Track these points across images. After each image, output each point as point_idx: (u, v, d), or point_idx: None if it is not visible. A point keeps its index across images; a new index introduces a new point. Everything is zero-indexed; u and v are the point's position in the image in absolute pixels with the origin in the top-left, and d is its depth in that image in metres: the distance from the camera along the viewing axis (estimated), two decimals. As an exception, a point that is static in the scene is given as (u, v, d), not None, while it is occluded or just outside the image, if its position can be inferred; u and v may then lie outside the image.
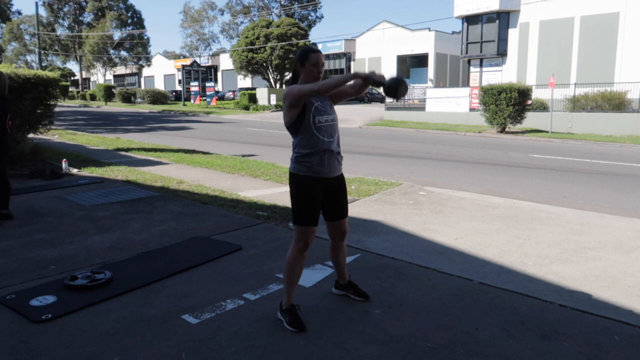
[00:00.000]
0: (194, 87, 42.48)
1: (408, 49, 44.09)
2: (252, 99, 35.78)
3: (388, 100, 28.44)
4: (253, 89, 40.71)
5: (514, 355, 2.55)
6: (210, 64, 62.70)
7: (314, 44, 41.38)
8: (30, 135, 8.98)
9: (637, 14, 22.90)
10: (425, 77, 43.11)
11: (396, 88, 2.63)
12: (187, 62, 51.22)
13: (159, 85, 66.36)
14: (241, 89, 45.56)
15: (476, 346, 2.64)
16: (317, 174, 2.84)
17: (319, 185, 2.87)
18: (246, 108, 34.61)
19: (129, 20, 59.63)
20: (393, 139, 16.58)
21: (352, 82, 2.82)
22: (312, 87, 2.71)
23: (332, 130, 2.89)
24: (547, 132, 18.44)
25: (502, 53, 27.74)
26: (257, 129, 20.39)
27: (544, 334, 2.78)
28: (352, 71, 38.66)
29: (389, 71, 42.62)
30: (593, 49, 24.16)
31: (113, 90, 47.74)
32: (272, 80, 41.22)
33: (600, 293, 3.40)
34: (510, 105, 17.81)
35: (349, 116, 26.52)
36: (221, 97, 44.60)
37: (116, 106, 42.25)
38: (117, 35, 58.78)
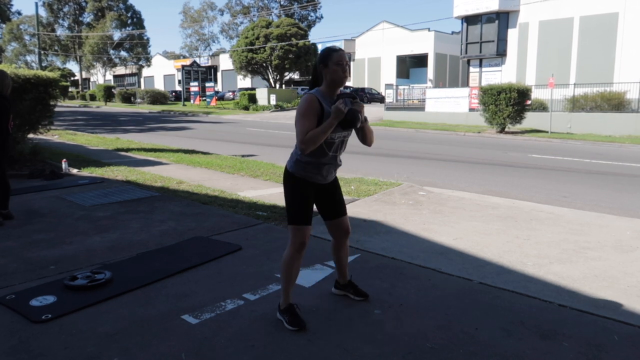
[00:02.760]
0: (194, 87, 42.49)
1: (408, 49, 44.14)
2: (252, 99, 35.78)
3: (388, 100, 28.45)
4: (253, 89, 40.72)
5: (514, 355, 2.55)
6: (210, 64, 62.70)
7: (314, 44, 41.35)
8: (30, 136, 8.97)
9: (636, 14, 22.92)
10: (424, 77, 43.15)
11: (352, 120, 2.63)
12: (187, 62, 51.22)
13: (159, 85, 66.37)
14: (241, 89, 45.58)
15: (476, 346, 2.64)
16: (312, 179, 2.86)
17: (312, 188, 2.89)
18: (246, 108, 34.61)
19: (129, 21, 59.60)
20: (393, 139, 16.58)
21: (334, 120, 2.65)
22: (300, 141, 2.63)
23: (341, 145, 2.88)
24: (547, 132, 18.45)
25: (501, 53, 27.76)
26: (257, 129, 20.39)
27: (543, 334, 2.78)
28: (351, 71, 38.36)
29: (389, 72, 42.32)
30: (592, 49, 24.18)
31: (113, 90, 47.74)
32: (272, 81, 41.21)
33: (599, 293, 3.40)
34: (509, 105, 17.82)
35: (349, 116, 26.50)
36: (221, 98, 44.62)
37: (116, 106, 42.24)
38: (117, 35, 58.79)
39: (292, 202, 2.86)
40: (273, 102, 34.10)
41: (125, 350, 2.56)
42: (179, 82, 51.09)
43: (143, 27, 60.45)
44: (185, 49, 72.21)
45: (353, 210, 5.52)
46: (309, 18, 60.66)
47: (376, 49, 46.30)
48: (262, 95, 35.83)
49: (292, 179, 2.87)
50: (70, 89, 59.58)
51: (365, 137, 2.92)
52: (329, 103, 2.73)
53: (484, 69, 28.93)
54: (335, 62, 2.72)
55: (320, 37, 70.34)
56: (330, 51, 2.77)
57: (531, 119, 19.55)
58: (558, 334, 2.77)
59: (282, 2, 59.25)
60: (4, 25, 61.05)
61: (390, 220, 5.30)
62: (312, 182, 2.87)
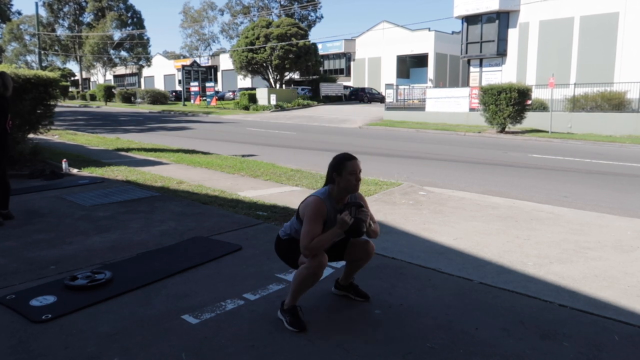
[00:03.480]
0: (194, 87, 42.50)
1: (408, 49, 44.12)
2: (252, 99, 35.79)
3: (388, 100, 28.44)
4: (253, 89, 40.71)
5: (514, 355, 2.55)
6: (210, 64, 62.69)
7: (314, 44, 41.35)
8: (30, 136, 8.97)
9: (637, 14, 22.90)
10: (425, 77, 43.14)
11: (357, 230, 2.74)
12: (187, 62, 51.21)
13: (159, 85, 66.36)
14: (241, 89, 45.56)
15: (476, 346, 2.64)
16: None
17: None
18: (246, 108, 34.61)
19: (129, 21, 59.61)
20: (393, 139, 16.58)
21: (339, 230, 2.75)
22: (305, 247, 2.71)
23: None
24: (547, 132, 18.45)
25: (501, 53, 27.75)
26: (257, 129, 20.39)
27: (544, 334, 2.78)
28: (352, 71, 38.21)
29: (389, 72, 42.23)
30: (593, 49, 24.17)
31: (113, 90, 47.73)
32: (272, 81, 41.20)
33: (600, 293, 3.40)
34: (510, 105, 17.82)
35: (349, 116, 26.54)
36: (221, 97, 44.60)
37: (116, 106, 42.25)
38: (117, 35, 58.81)
39: (293, 249, 2.92)
40: (273, 102, 34.09)
41: (125, 350, 2.56)
42: (179, 82, 51.08)
43: (143, 27, 60.47)
44: (185, 49, 72.29)
45: (353, 210, 5.51)
46: (309, 18, 60.65)
47: (376, 49, 46.28)
48: (262, 95, 35.83)
49: (284, 242, 2.99)
50: (70, 89, 59.59)
51: (370, 236, 2.97)
52: (336, 208, 2.81)
53: (484, 69, 28.92)
54: (349, 171, 2.76)
55: (320, 37, 70.39)
56: (344, 160, 2.79)
57: (531, 119, 19.54)
58: (558, 334, 2.77)
59: (282, 2, 59.25)
60: (4, 25, 61.09)
61: (390, 220, 5.30)
62: None
